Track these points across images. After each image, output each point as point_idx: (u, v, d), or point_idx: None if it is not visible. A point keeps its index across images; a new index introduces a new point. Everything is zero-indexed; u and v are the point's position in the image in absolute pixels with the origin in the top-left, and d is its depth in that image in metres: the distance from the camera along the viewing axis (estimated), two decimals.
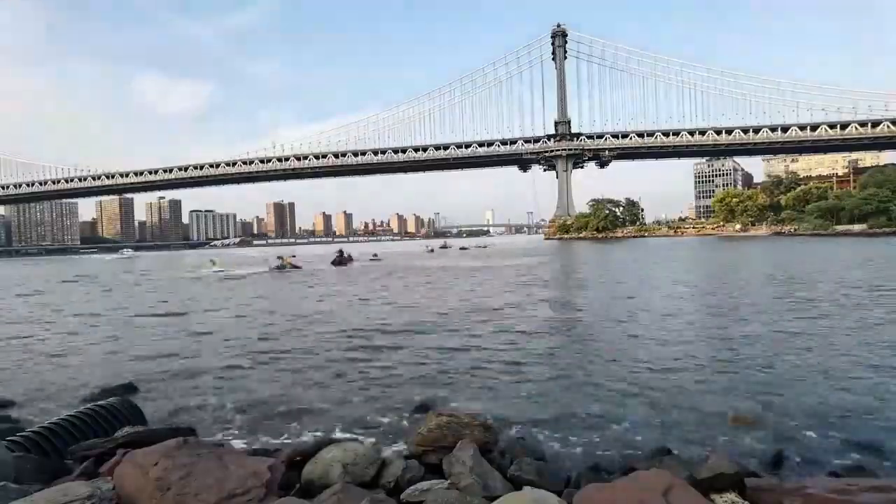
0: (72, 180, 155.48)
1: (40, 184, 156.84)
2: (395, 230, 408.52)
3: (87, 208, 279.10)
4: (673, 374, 7.90)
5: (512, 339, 11.05)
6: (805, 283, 19.86)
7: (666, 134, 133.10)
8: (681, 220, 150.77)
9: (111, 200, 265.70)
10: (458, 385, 7.68)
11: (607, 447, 5.22)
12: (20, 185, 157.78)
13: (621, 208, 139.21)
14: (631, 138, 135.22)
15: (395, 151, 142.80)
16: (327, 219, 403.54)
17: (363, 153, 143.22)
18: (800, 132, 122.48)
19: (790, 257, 37.50)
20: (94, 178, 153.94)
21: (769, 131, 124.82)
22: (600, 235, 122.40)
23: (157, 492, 3.17)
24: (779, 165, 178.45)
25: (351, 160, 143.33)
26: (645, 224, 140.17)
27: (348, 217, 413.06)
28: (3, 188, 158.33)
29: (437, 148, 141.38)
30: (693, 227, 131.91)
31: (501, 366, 8.73)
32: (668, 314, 13.69)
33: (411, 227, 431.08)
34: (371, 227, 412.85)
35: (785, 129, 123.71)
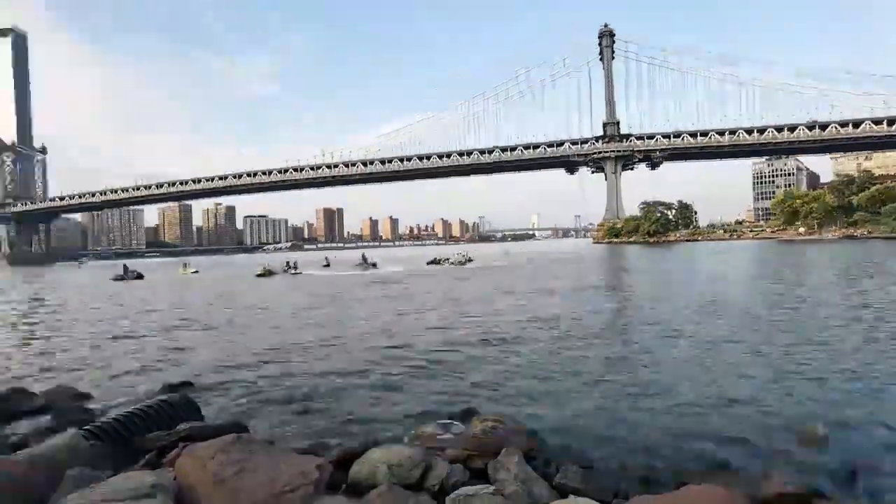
0: (138, 188, 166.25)
1: (112, 192, 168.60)
2: (440, 234, 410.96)
3: (150, 215, 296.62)
4: (733, 382, 7.51)
5: (559, 346, 10.85)
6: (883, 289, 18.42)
7: (721, 133, 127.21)
8: (737, 223, 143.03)
9: (172, 207, 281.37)
10: (504, 391, 7.62)
11: (658, 459, 5.01)
12: (94, 194, 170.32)
13: (674, 211, 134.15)
14: (683, 138, 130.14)
15: (440, 156, 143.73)
16: (374, 224, 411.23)
17: (408, 159, 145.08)
18: (874, 127, 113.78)
19: (861, 261, 34.86)
20: (157, 187, 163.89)
21: (838, 127, 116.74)
22: (651, 240, 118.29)
23: (213, 484, 3.32)
24: (850, 164, 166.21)
25: (396, 166, 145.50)
26: (699, 227, 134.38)
27: (394, 222, 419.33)
28: (80, 196, 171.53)
29: (482, 152, 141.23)
30: (751, 231, 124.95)
31: (547, 373, 8.59)
32: (728, 320, 13.04)
33: (456, 232, 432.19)
34: (416, 231, 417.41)
35: (857, 124, 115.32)
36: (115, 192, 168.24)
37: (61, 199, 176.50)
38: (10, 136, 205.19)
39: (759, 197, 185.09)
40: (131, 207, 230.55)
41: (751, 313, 14.40)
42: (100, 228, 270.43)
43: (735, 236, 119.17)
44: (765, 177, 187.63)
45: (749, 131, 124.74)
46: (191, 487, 3.35)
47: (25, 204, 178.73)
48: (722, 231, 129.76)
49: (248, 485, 3.32)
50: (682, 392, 7.20)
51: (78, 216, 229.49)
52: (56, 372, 9.89)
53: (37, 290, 39.12)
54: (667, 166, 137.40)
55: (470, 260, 54.41)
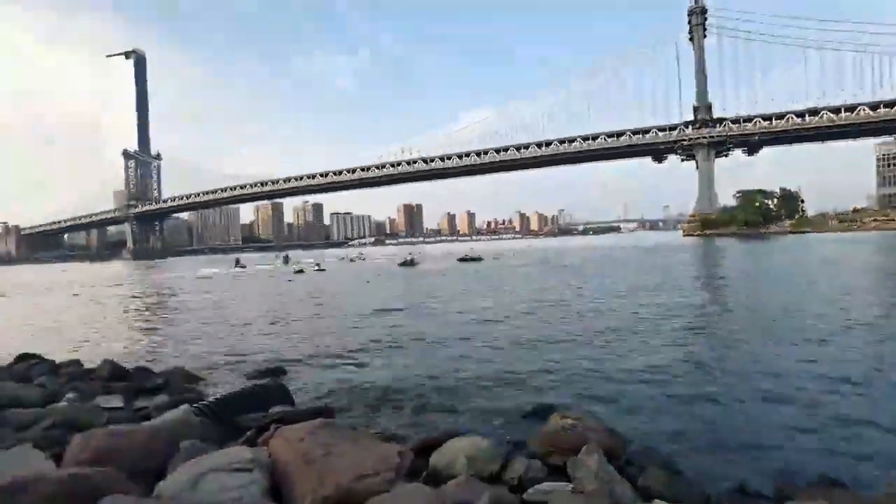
0: (235, 189, 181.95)
1: (213, 192, 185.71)
2: (518, 228, 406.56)
3: (246, 212, 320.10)
4: (847, 388, 6.74)
5: (648, 342, 10.35)
6: None
7: (836, 111, 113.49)
8: (855, 211, 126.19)
9: (265, 205, 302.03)
10: (585, 387, 7.40)
11: (757, 468, 4.62)
12: (199, 195, 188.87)
13: (775, 200, 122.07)
14: (788, 119, 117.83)
15: (518, 148, 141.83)
16: (451, 218, 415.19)
17: (485, 152, 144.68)
18: None
19: None
20: (251, 186, 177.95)
21: None
22: (749, 231, 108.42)
23: (303, 464, 3.55)
24: None
25: (473, 160, 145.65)
26: (806, 217, 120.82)
27: (471, 216, 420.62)
28: (187, 197, 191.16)
29: (562, 142, 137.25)
30: (874, 221, 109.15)
31: (633, 371, 8.21)
32: (845, 321, 11.70)
33: (534, 225, 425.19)
34: (493, 225, 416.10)
35: None
36: (216, 192, 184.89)
37: (172, 199, 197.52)
38: (132, 144, 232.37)
39: (887, 182, 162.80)
40: (230, 206, 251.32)
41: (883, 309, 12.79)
42: (202, 225, 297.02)
43: (855, 227, 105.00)
44: (892, 159, 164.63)
45: (873, 107, 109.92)
46: (283, 465, 3.62)
47: (145, 205, 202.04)
48: (836, 221, 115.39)
49: (334, 467, 3.51)
50: (786, 400, 6.57)
51: (185, 215, 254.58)
52: (173, 352, 11.15)
53: (159, 280, 44.00)
54: (767, 151, 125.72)
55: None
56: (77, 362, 9.18)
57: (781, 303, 15.13)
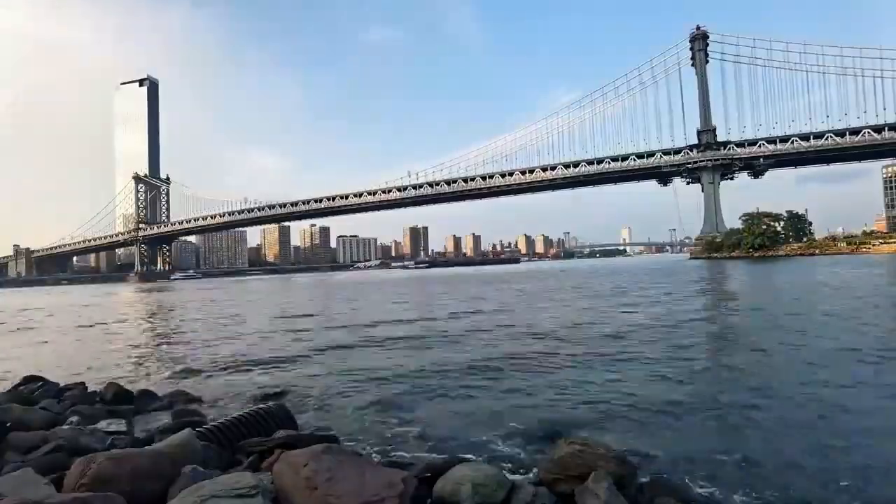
0: (242, 212, 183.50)
1: (220, 216, 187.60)
2: (524, 251, 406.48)
3: (252, 235, 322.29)
4: (863, 412, 6.57)
5: (658, 364, 10.19)
6: None
7: (840, 134, 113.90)
8: (864, 234, 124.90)
9: (272, 228, 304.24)
10: (594, 413, 7.27)
11: (769, 499, 4.49)
12: (206, 218, 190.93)
13: (782, 222, 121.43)
14: (793, 142, 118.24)
15: (523, 172, 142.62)
16: (457, 241, 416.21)
17: (490, 176, 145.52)
18: None
19: None
20: (259, 210, 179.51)
21: None
22: (757, 254, 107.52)
23: (306, 490, 3.50)
24: None
25: (479, 184, 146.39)
26: (814, 240, 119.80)
27: (477, 239, 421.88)
28: (195, 220, 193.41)
29: (567, 166, 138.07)
30: (884, 243, 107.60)
31: (644, 395, 8.06)
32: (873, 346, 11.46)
33: (539, 248, 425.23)
34: (499, 247, 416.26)
35: None
36: (224, 215, 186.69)
37: (180, 222, 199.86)
38: (143, 168, 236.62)
39: (894, 203, 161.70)
40: (237, 229, 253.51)
41: None
42: (209, 248, 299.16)
43: (863, 249, 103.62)
44: None
45: (878, 129, 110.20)
46: (286, 490, 3.57)
47: (153, 228, 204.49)
48: (844, 243, 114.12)
49: (338, 492, 3.45)
50: (805, 426, 6.42)
51: (192, 238, 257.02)
52: (176, 374, 11.12)
53: (165, 302, 44.16)
54: (773, 174, 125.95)
55: None
56: (82, 385, 9.14)
57: (800, 327, 14.90)
